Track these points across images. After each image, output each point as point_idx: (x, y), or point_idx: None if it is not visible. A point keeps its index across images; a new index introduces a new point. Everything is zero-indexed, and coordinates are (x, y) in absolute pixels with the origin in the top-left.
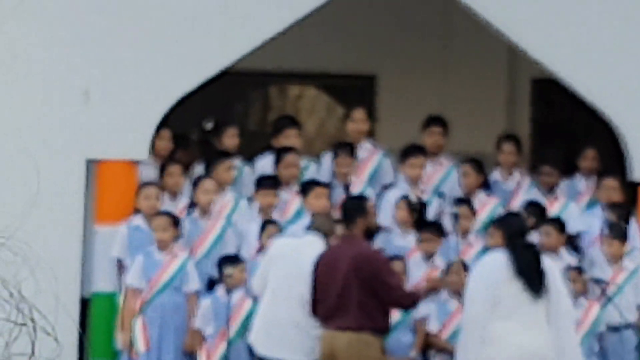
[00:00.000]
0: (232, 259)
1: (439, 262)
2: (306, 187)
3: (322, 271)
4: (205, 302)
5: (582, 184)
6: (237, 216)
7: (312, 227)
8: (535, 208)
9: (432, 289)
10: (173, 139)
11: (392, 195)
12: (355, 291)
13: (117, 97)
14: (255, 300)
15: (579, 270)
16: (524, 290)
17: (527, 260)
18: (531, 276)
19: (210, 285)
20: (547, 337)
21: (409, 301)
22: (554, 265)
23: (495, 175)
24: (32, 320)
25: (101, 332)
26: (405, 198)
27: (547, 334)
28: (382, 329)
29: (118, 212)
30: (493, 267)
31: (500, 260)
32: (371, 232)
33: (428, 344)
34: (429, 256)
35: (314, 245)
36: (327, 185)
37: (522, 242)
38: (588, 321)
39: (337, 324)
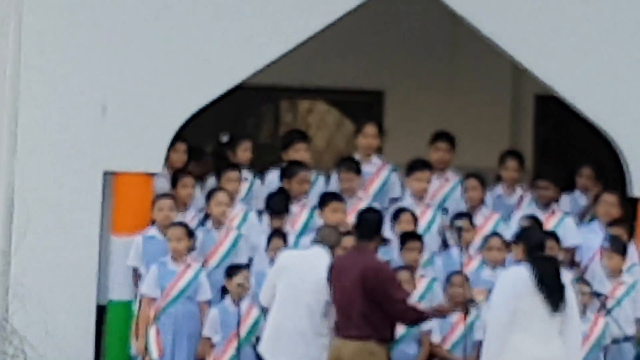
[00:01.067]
0: (236, 268)
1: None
2: (324, 200)
3: (333, 280)
4: (214, 311)
5: (582, 199)
6: (246, 228)
7: (317, 240)
8: (531, 222)
9: (442, 313)
10: (187, 151)
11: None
12: (360, 301)
13: (133, 111)
14: (262, 309)
15: (586, 283)
16: (544, 303)
17: (547, 273)
18: (552, 290)
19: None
20: (562, 350)
21: (413, 316)
22: (568, 278)
23: (498, 190)
24: (23, 352)
25: (116, 339)
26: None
27: (562, 347)
28: (387, 339)
29: (134, 222)
30: (516, 279)
31: (523, 273)
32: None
33: (431, 355)
34: (412, 267)
35: (321, 257)
36: (343, 200)
37: (542, 255)
38: (595, 334)
39: (344, 332)
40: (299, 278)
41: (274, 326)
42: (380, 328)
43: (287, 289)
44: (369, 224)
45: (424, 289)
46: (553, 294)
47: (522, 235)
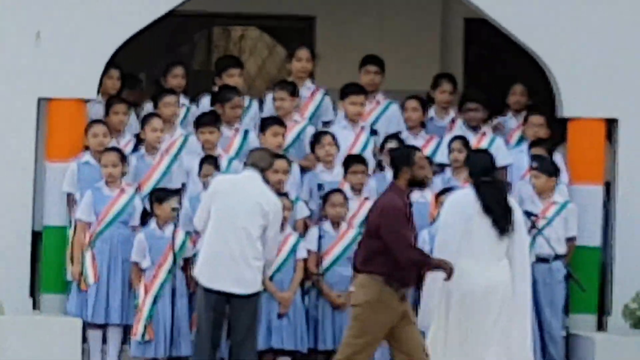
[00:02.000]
0: (166, 193)
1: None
2: (264, 124)
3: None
4: (140, 236)
5: (512, 121)
6: (186, 153)
7: (249, 163)
8: (461, 142)
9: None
10: (121, 78)
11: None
12: (365, 237)
13: (67, 37)
14: (187, 232)
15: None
16: (492, 227)
17: (493, 197)
18: (498, 214)
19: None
20: (508, 273)
21: (406, 254)
22: (515, 201)
23: (431, 112)
24: None
25: (52, 264)
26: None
27: (508, 270)
28: (386, 275)
29: (68, 149)
30: (465, 202)
31: (470, 196)
32: (420, 184)
33: None
34: (357, 189)
35: (253, 180)
36: (284, 124)
37: (488, 179)
38: None
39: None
40: (232, 202)
41: (208, 251)
42: (377, 262)
43: (221, 213)
44: (394, 159)
45: (366, 211)
46: (500, 218)
47: (467, 160)
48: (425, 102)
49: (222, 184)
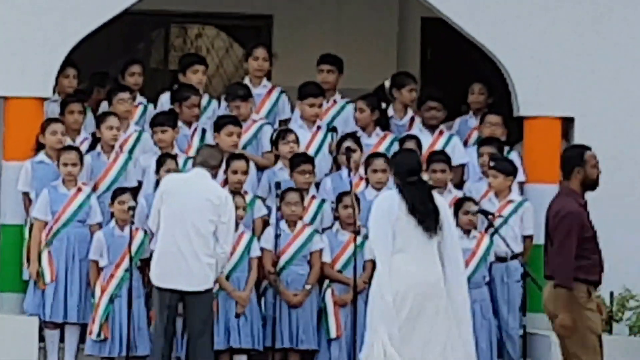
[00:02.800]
0: (120, 192)
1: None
2: (219, 123)
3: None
4: (99, 235)
5: (472, 120)
6: (140, 150)
7: (197, 161)
8: (414, 142)
9: None
10: (77, 76)
11: None
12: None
13: (22, 35)
14: (146, 231)
15: (473, 201)
16: (417, 228)
17: (417, 198)
18: (424, 215)
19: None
20: (440, 273)
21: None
22: (443, 201)
23: (390, 112)
24: None
25: (9, 263)
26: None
27: (440, 269)
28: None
29: (25, 148)
30: (390, 204)
31: (395, 197)
32: (593, 184)
33: (322, 274)
34: (305, 189)
35: (202, 178)
36: (239, 124)
37: (412, 180)
38: (480, 251)
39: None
40: (181, 200)
41: (160, 250)
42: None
43: (170, 212)
44: (564, 160)
45: (314, 210)
46: (425, 218)
47: (391, 161)
48: (376, 102)
49: (171, 183)
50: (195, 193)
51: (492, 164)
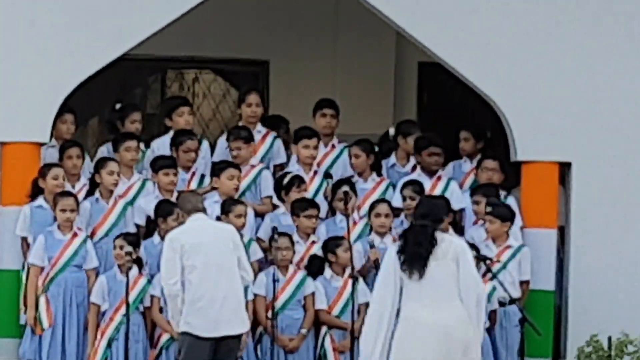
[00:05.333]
0: (119, 237)
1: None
2: (219, 167)
3: None
4: (101, 279)
5: (466, 165)
6: (143, 198)
7: (189, 209)
8: (412, 189)
9: None
10: (75, 122)
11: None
12: None
13: (19, 80)
14: (149, 277)
15: (472, 247)
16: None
17: (411, 240)
18: (410, 255)
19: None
20: (457, 309)
21: None
22: (458, 240)
23: (392, 159)
24: None
25: (6, 308)
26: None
27: (457, 306)
28: None
29: (22, 193)
30: (394, 252)
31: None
32: None
33: (318, 320)
34: (307, 233)
35: (206, 221)
36: (239, 167)
37: (419, 223)
38: None
39: None
40: (202, 250)
41: (198, 303)
42: None
43: (198, 264)
44: None
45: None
46: (408, 260)
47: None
48: (371, 147)
49: (184, 237)
50: (212, 237)
51: (488, 209)
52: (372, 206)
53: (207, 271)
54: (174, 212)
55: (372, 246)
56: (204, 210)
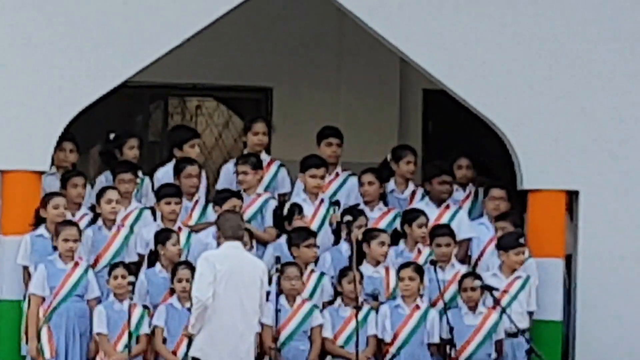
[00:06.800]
0: (115, 266)
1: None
2: (222, 197)
3: None
4: (99, 308)
5: (459, 194)
6: (140, 226)
7: (227, 234)
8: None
9: None
10: (75, 150)
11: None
12: None
13: (19, 108)
14: (144, 306)
15: (477, 277)
16: None
17: None
18: None
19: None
20: None
21: None
22: None
23: (391, 185)
24: None
25: (8, 338)
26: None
27: None
28: None
29: (23, 222)
30: None
31: None
32: None
33: (324, 350)
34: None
35: (242, 253)
36: (241, 197)
37: None
38: (485, 327)
39: None
40: (234, 282)
41: (217, 332)
42: None
43: (225, 293)
44: None
45: (313, 284)
46: None
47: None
48: (382, 175)
49: (218, 263)
50: (243, 270)
51: (499, 242)
52: (374, 235)
53: (231, 303)
54: (172, 237)
55: (375, 298)
56: (241, 238)
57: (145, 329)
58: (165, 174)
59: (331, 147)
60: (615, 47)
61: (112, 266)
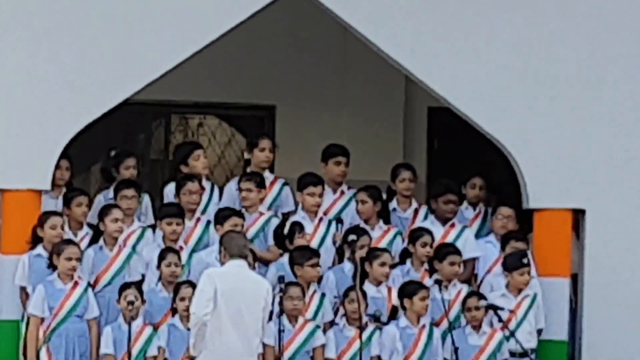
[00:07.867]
0: (124, 287)
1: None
2: (223, 215)
3: None
4: (107, 329)
5: (468, 212)
6: (142, 246)
7: (232, 252)
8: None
9: None
10: (70, 168)
11: None
12: None
13: (20, 127)
14: (154, 326)
15: (482, 296)
16: None
17: None
18: None
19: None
20: None
21: None
22: None
23: (393, 203)
24: None
25: (6, 359)
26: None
27: None
28: None
29: (22, 241)
30: None
31: None
32: None
33: None
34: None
35: (246, 272)
36: (243, 217)
37: None
38: (489, 348)
39: None
40: (235, 302)
41: (218, 352)
42: None
43: (227, 313)
44: None
45: (316, 305)
46: None
47: None
48: (376, 193)
49: (221, 281)
50: (246, 289)
51: (506, 262)
52: (376, 255)
53: (232, 322)
54: (167, 257)
55: (377, 319)
56: (246, 257)
57: (153, 351)
58: (169, 191)
59: (340, 166)
60: (621, 64)
61: (123, 287)
